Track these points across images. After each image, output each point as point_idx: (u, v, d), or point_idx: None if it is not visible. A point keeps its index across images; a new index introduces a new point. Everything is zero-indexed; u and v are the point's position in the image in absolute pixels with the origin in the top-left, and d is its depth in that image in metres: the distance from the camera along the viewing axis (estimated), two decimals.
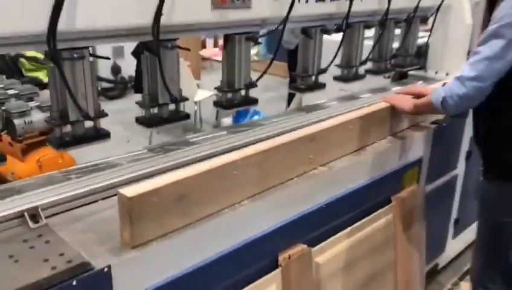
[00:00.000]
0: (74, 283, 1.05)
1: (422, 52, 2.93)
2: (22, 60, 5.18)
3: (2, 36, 1.20)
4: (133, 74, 5.84)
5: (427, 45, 2.91)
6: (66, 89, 1.38)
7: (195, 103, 4.63)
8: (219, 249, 1.35)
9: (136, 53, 5.34)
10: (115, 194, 1.21)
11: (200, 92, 4.54)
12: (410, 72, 3.03)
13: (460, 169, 2.47)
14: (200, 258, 1.31)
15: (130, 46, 5.47)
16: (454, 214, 2.56)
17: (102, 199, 1.39)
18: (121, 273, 1.13)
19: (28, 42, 1.28)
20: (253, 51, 5.28)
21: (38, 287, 1.01)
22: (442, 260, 2.62)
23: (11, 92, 2.48)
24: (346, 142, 1.75)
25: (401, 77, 3.07)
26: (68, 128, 1.52)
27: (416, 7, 2.52)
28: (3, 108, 2.27)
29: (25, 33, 1.23)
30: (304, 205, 1.59)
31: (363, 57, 2.49)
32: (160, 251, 1.21)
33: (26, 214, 1.24)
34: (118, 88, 6.52)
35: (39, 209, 1.26)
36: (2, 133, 2.55)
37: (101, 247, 1.17)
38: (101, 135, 1.55)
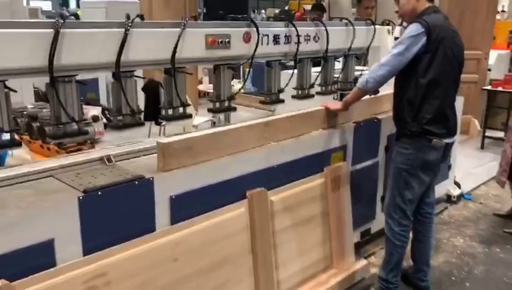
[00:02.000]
0: (136, 182, 2.07)
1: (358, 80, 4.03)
2: None
3: (94, 63, 2.25)
4: (142, 106, 6.93)
5: (361, 75, 4.00)
6: (122, 93, 2.44)
7: (194, 126, 5.72)
8: (211, 181, 2.37)
9: (145, 89, 6.45)
10: (149, 153, 2.27)
11: (197, 118, 5.62)
12: None
13: (381, 158, 3.50)
14: (200, 184, 2.32)
15: (139, 83, 6.59)
16: (380, 192, 3.57)
17: (144, 155, 2.43)
18: (158, 183, 2.15)
19: (103, 67, 2.34)
20: (241, 84, 6.39)
21: (119, 184, 2.03)
22: (374, 226, 3.60)
23: None
24: (290, 129, 2.81)
25: None
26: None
27: (349, 48, 3.65)
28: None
29: (104, 62, 2.29)
30: (261, 164, 2.62)
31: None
32: (178, 175, 2.23)
33: (104, 158, 2.27)
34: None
35: (111, 156, 2.29)
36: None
37: (147, 172, 2.19)
38: (140, 123, 2.59)
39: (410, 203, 2.84)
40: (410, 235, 2.99)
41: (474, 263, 3.44)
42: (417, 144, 2.74)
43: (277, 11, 15.49)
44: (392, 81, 2.88)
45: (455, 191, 4.54)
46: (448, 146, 2.82)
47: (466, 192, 4.69)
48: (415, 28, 2.68)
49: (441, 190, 4.40)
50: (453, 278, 3.26)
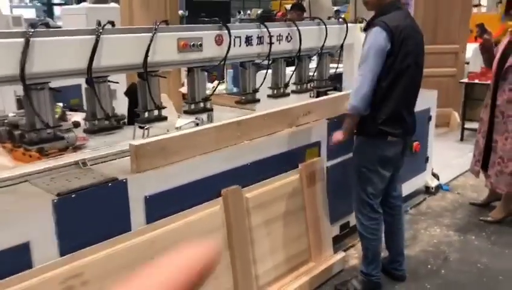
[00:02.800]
0: (110, 184, 2.13)
1: (333, 78, 4.12)
2: None
3: (65, 70, 2.32)
4: (125, 112, 6.97)
5: (336, 72, 4.09)
6: (96, 98, 2.50)
7: (176, 128, 5.78)
8: (185, 181, 2.44)
9: (127, 93, 6.50)
10: (125, 156, 2.33)
11: (179, 120, 5.69)
12: (330, 92, 4.21)
13: None
14: (174, 183, 2.39)
15: (121, 88, 6.62)
16: None
17: (120, 157, 2.49)
18: (131, 184, 2.21)
19: (77, 74, 2.40)
20: (223, 86, 6.46)
21: (92, 186, 2.09)
22: (353, 219, 3.67)
23: None
24: (263, 128, 2.88)
25: (324, 94, 4.25)
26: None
27: (322, 47, 3.73)
28: None
29: (76, 69, 2.35)
30: (236, 162, 2.69)
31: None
32: (151, 176, 2.30)
33: (79, 162, 2.33)
34: None
35: (86, 160, 2.35)
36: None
37: (121, 173, 2.25)
38: (117, 127, 2.66)
39: (375, 197, 2.92)
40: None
41: (450, 251, 3.54)
42: (374, 141, 2.82)
43: (259, 11, 15.61)
44: None
45: (433, 183, 4.64)
46: (407, 141, 2.91)
47: (444, 183, 4.80)
48: (378, 35, 2.66)
49: (419, 181, 4.51)
50: (429, 266, 3.36)
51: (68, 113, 6.23)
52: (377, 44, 2.67)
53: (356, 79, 2.79)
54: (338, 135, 2.96)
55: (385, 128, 2.77)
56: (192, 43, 2.79)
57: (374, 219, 2.94)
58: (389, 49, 2.68)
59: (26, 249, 1.88)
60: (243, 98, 3.37)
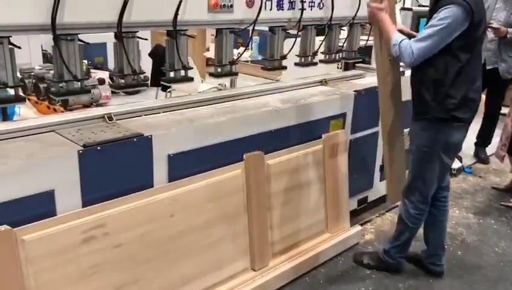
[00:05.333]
0: (135, 140, 2.14)
1: (363, 50, 4.02)
2: None
3: (96, 22, 2.30)
4: (148, 73, 6.93)
5: (365, 45, 3.98)
6: (124, 54, 2.48)
7: (200, 93, 5.76)
8: (209, 142, 2.44)
9: (152, 54, 6.47)
10: (150, 113, 2.34)
11: (202, 85, 5.66)
12: (358, 64, 4.13)
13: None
14: (197, 145, 2.39)
15: (146, 50, 6.57)
16: (379, 162, 3.61)
17: (145, 115, 2.49)
18: (156, 141, 2.22)
19: (107, 27, 2.38)
20: (248, 53, 6.39)
21: (118, 140, 2.09)
22: (371, 194, 3.67)
23: None
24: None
25: (352, 66, 4.17)
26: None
27: (354, 16, 3.63)
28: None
29: (106, 22, 2.33)
30: (260, 128, 2.67)
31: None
32: (177, 135, 2.29)
33: (105, 116, 2.34)
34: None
35: (112, 114, 2.36)
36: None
37: (146, 130, 2.25)
38: (143, 84, 2.65)
39: (430, 186, 2.74)
40: None
41: (468, 234, 3.50)
42: (439, 125, 2.59)
43: None
44: None
45: (456, 165, 4.56)
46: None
47: (467, 166, 4.72)
48: (457, 14, 2.38)
49: None
50: (445, 246, 3.32)
51: (92, 71, 6.28)
52: (455, 21, 2.39)
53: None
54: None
55: (456, 114, 2.54)
56: (223, 3, 2.73)
57: (421, 209, 2.79)
58: (466, 29, 2.43)
59: (51, 197, 1.91)
60: (270, 64, 3.32)
